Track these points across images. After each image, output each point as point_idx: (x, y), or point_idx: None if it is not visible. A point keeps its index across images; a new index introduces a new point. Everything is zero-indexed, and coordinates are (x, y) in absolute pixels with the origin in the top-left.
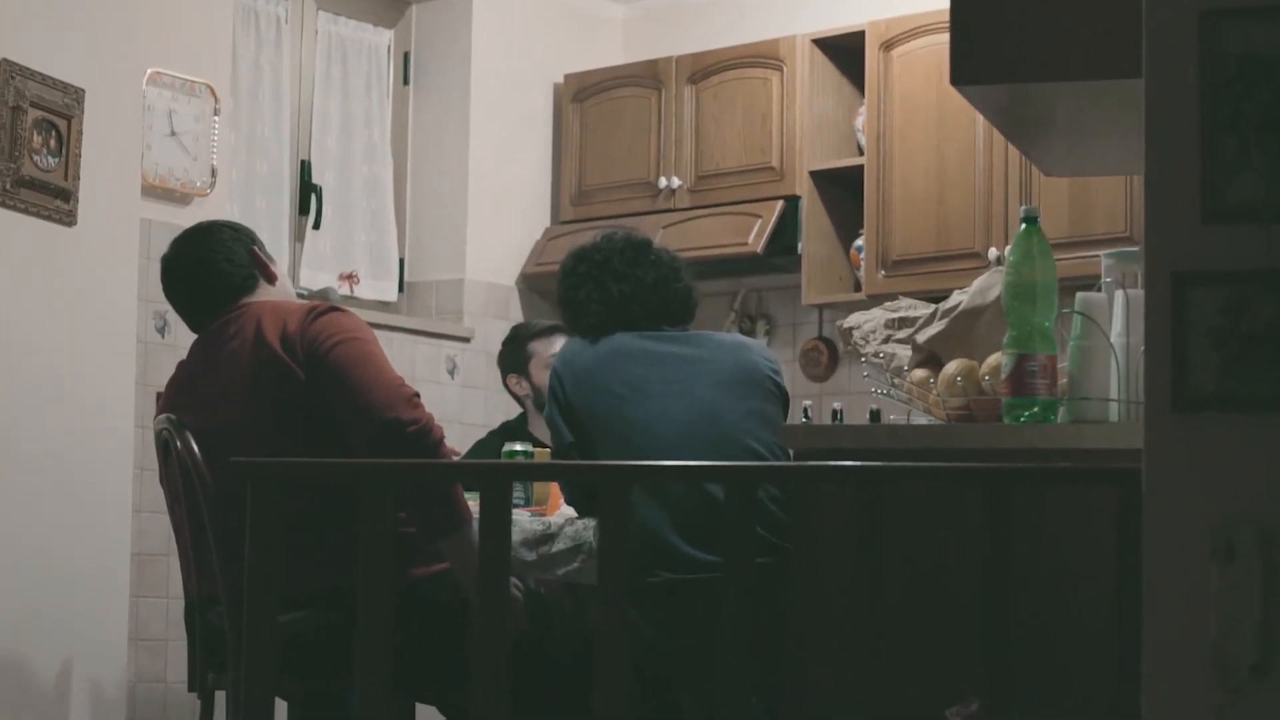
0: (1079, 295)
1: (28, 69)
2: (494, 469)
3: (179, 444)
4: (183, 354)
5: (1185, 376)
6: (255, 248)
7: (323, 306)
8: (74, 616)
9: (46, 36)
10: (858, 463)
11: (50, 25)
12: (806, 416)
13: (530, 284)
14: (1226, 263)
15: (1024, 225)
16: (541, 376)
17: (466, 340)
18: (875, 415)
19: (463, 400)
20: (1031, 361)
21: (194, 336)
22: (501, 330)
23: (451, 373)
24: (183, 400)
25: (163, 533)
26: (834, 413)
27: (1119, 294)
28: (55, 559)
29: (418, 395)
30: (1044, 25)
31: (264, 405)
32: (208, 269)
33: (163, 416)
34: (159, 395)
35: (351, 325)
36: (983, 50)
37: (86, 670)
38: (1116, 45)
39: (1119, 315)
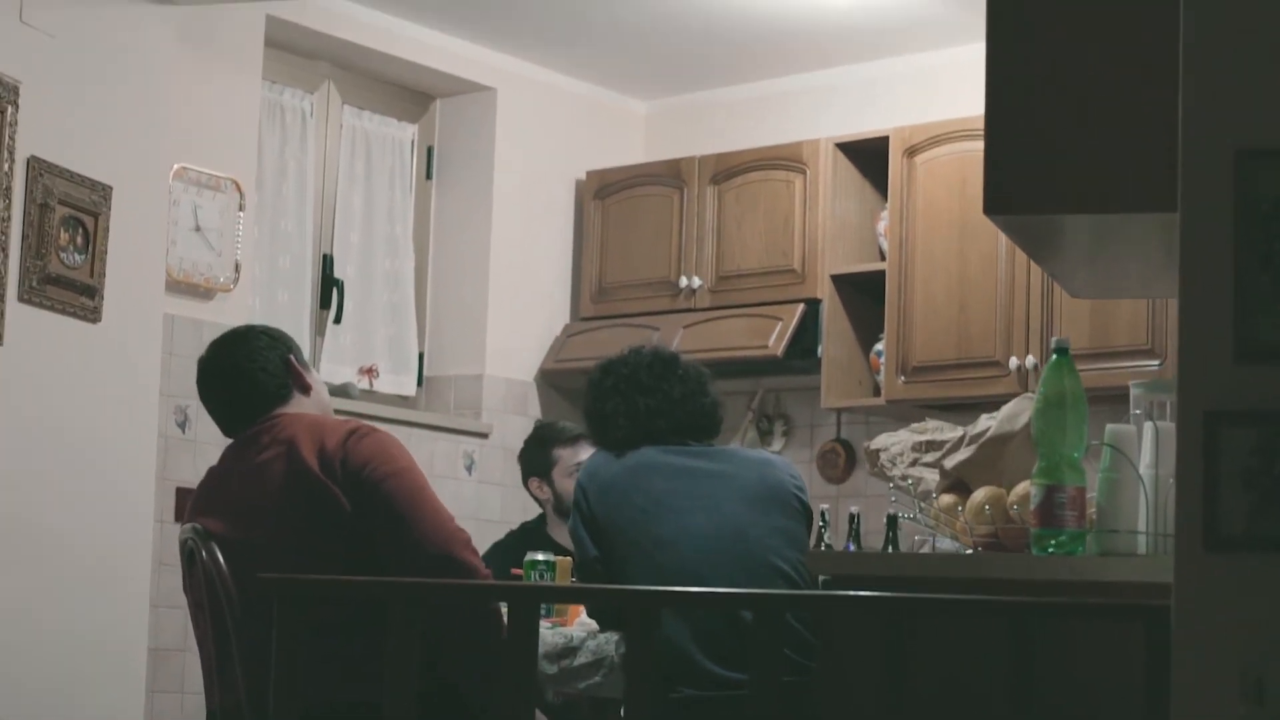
0: (1109, 428)
1: (55, 166)
2: (522, 591)
3: (204, 554)
4: (204, 450)
5: (1216, 517)
6: (292, 356)
7: (362, 429)
8: (90, 710)
9: (74, 133)
10: (884, 594)
11: (78, 122)
12: (824, 520)
13: (549, 380)
14: (1259, 403)
15: (1055, 356)
16: (564, 484)
17: (484, 436)
18: (892, 521)
19: (480, 497)
20: (1060, 493)
21: (219, 434)
22: (520, 426)
23: (469, 469)
24: (211, 508)
25: (179, 628)
26: (851, 517)
27: (1148, 426)
28: (73, 651)
29: (469, 538)
30: (1077, 158)
31: (296, 522)
32: (243, 377)
33: (188, 526)
34: (179, 492)
35: (398, 453)
36: (1016, 180)
37: None
38: (1150, 180)
39: (1148, 448)
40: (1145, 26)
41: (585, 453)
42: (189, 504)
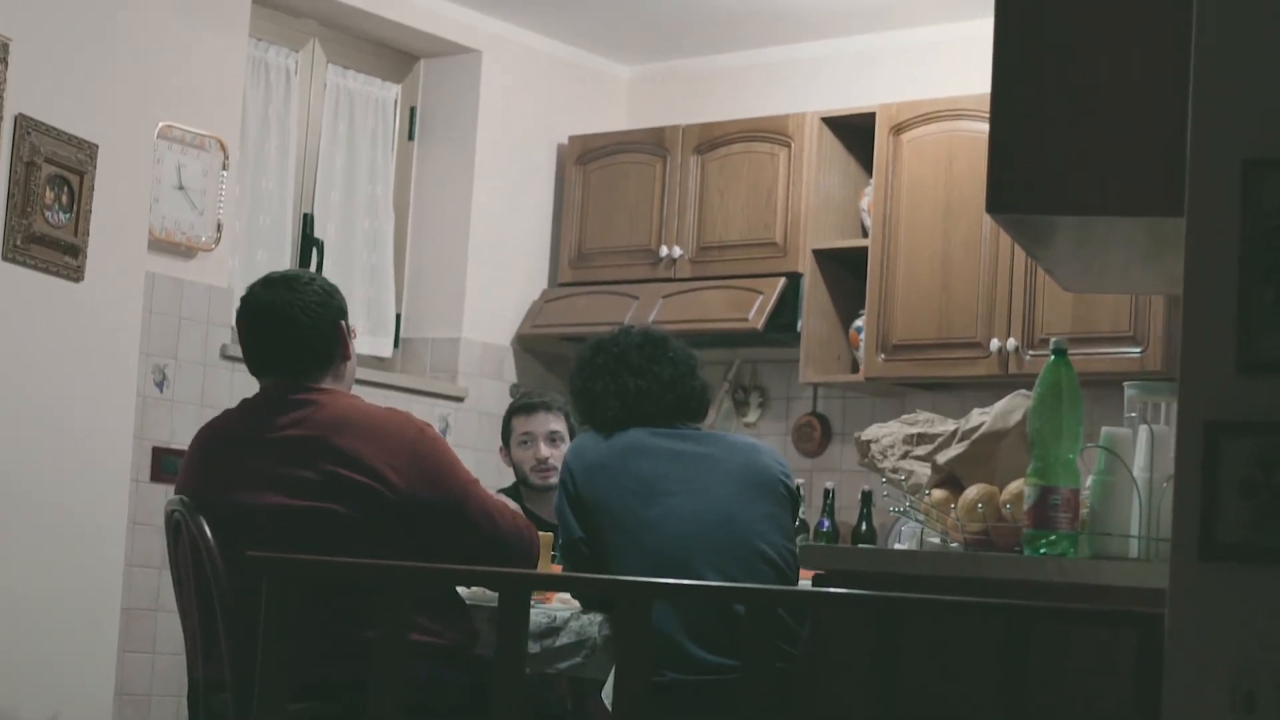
0: (1104, 430)
1: (42, 124)
2: (512, 578)
3: (192, 527)
4: (181, 409)
5: (1214, 526)
6: (343, 322)
7: (426, 437)
8: (62, 669)
9: (62, 91)
10: (875, 593)
11: (64, 80)
12: (799, 494)
13: (526, 345)
14: (1260, 414)
15: (1053, 357)
16: (517, 453)
17: (460, 400)
18: (867, 497)
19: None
20: (1055, 495)
21: (197, 393)
22: (496, 390)
23: (444, 432)
24: (214, 475)
25: (151, 588)
26: (825, 491)
27: (1143, 429)
28: (46, 611)
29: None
30: (1083, 161)
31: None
32: (292, 326)
33: (176, 498)
34: (155, 451)
35: (453, 458)
36: (1020, 180)
37: None
38: (1155, 184)
39: (1142, 451)
40: (1155, 31)
41: (536, 423)
42: (185, 464)
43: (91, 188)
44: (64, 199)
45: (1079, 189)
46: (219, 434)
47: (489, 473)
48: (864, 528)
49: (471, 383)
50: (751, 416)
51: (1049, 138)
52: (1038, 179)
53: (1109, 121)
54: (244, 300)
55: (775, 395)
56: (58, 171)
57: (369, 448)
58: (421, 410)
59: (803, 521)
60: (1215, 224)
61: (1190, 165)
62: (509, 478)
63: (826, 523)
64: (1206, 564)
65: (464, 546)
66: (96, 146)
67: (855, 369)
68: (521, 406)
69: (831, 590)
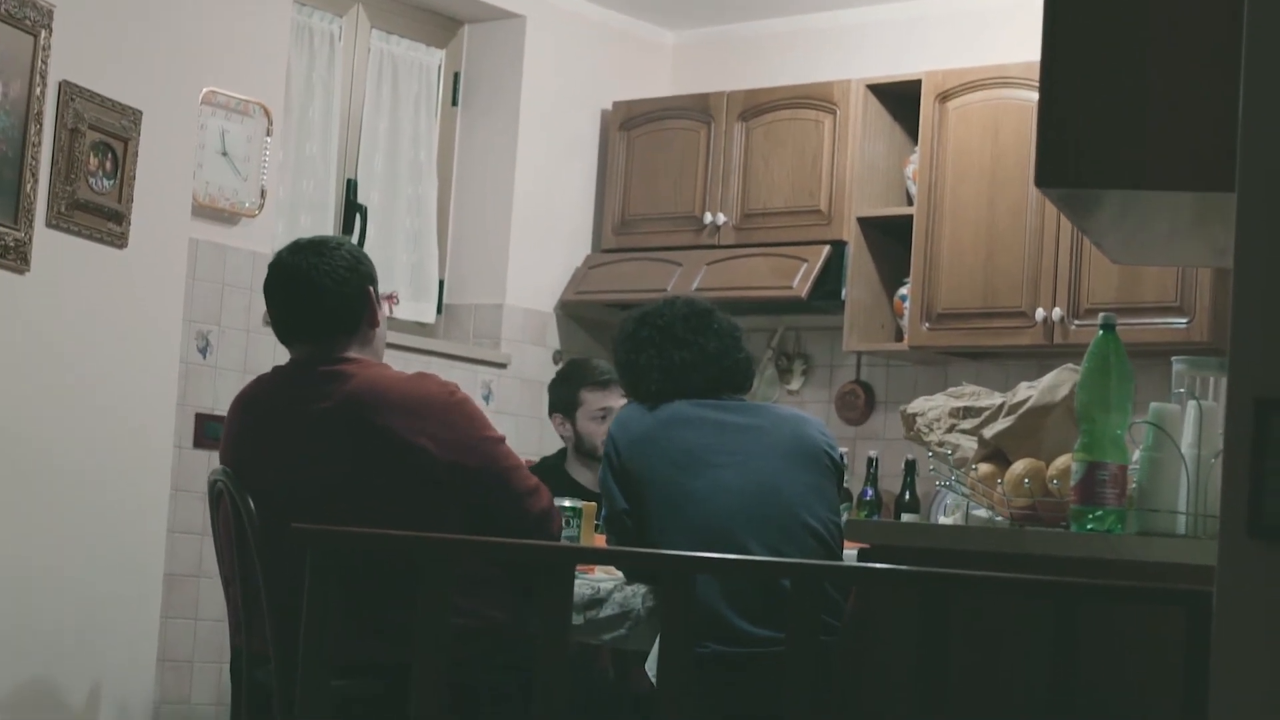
0: (1152, 406)
1: (86, 90)
2: (558, 551)
3: (235, 499)
4: (224, 376)
5: (1263, 504)
6: (371, 288)
7: (456, 398)
8: (105, 636)
9: (106, 57)
10: (922, 569)
11: (108, 46)
12: (844, 464)
13: (569, 311)
14: None
15: (1101, 332)
16: (587, 426)
17: (503, 366)
18: (910, 466)
19: (497, 426)
20: (1103, 470)
21: (241, 360)
22: (538, 357)
23: (486, 398)
24: (250, 448)
25: (194, 554)
26: (869, 460)
27: (1191, 405)
28: (89, 578)
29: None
30: (1133, 134)
31: (359, 481)
32: (316, 291)
33: (219, 469)
34: (198, 418)
35: (484, 421)
36: (1070, 154)
37: (114, 691)
38: (1206, 157)
39: (1190, 427)
40: (1207, 2)
41: (613, 398)
42: (225, 434)
43: (135, 154)
44: (108, 165)
45: (1129, 162)
46: (254, 405)
47: (529, 440)
48: (907, 497)
49: (514, 349)
50: (795, 384)
51: (1099, 110)
52: (1087, 152)
53: (1160, 94)
54: (271, 265)
55: (819, 363)
56: (101, 138)
57: (402, 420)
58: (464, 376)
59: (846, 491)
60: (1267, 195)
61: (1242, 136)
62: (550, 445)
63: (870, 491)
64: (1255, 541)
65: (502, 515)
66: (140, 113)
67: (900, 337)
68: (598, 382)
69: (878, 566)
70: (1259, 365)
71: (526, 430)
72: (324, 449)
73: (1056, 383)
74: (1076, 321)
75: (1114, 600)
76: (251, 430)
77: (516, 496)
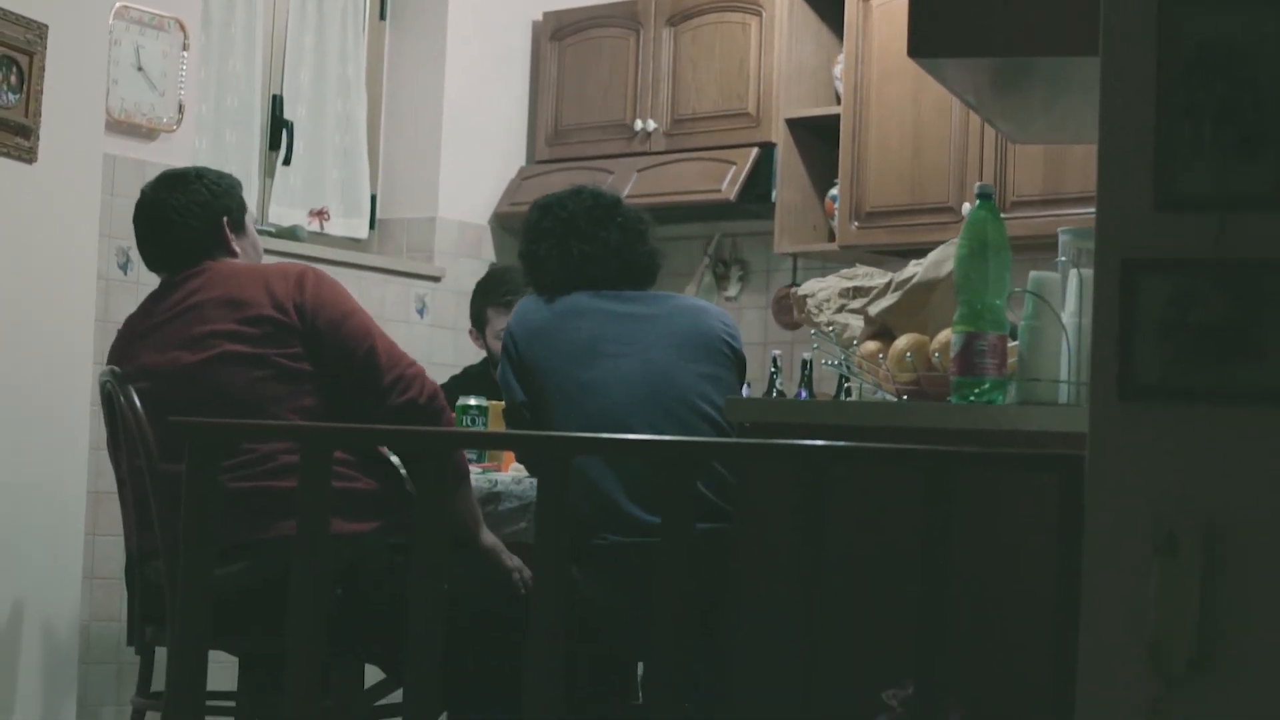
0: (1032, 275)
1: None
2: (438, 437)
3: (122, 398)
4: (146, 291)
5: (1132, 366)
6: (226, 219)
7: (309, 272)
8: (29, 553)
9: None
10: (799, 441)
11: None
12: (776, 365)
13: (503, 223)
14: (1177, 251)
15: (978, 201)
16: (494, 344)
17: (437, 280)
18: (808, 364)
19: (432, 340)
20: (981, 340)
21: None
22: (473, 269)
23: (421, 312)
24: (133, 351)
25: None
26: (803, 363)
27: (1073, 273)
28: (11, 495)
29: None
30: (1001, 1)
31: (235, 359)
32: (169, 226)
33: (106, 369)
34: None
35: (345, 295)
36: (942, 23)
37: (40, 608)
38: (1077, 22)
39: (1072, 295)
40: None
41: None
42: (112, 348)
43: (42, 69)
44: (13, 80)
45: (1000, 29)
46: (130, 330)
47: (467, 352)
48: (843, 398)
49: (449, 262)
50: (733, 290)
51: None
52: (955, 21)
53: None
54: (137, 200)
55: (756, 268)
56: (5, 52)
57: (261, 292)
58: (398, 291)
59: (780, 392)
60: (1131, 61)
61: (1105, 1)
62: (477, 356)
63: (804, 393)
64: (1125, 404)
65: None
66: (46, 27)
67: (832, 238)
68: (502, 303)
69: (750, 441)
70: (1126, 227)
71: (463, 342)
72: (196, 331)
73: (941, 258)
74: (1003, 214)
75: (985, 466)
76: (131, 346)
77: (386, 356)
